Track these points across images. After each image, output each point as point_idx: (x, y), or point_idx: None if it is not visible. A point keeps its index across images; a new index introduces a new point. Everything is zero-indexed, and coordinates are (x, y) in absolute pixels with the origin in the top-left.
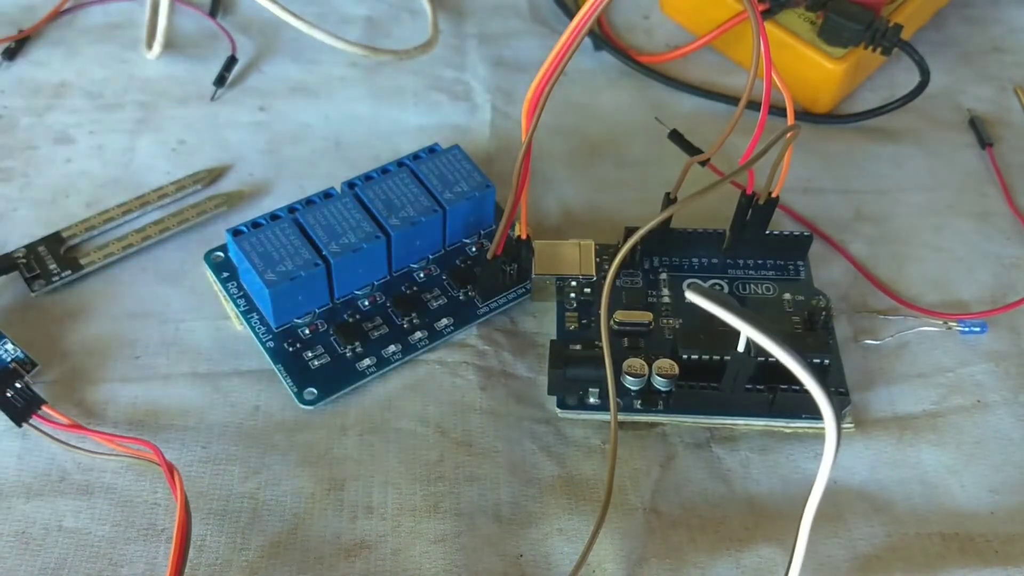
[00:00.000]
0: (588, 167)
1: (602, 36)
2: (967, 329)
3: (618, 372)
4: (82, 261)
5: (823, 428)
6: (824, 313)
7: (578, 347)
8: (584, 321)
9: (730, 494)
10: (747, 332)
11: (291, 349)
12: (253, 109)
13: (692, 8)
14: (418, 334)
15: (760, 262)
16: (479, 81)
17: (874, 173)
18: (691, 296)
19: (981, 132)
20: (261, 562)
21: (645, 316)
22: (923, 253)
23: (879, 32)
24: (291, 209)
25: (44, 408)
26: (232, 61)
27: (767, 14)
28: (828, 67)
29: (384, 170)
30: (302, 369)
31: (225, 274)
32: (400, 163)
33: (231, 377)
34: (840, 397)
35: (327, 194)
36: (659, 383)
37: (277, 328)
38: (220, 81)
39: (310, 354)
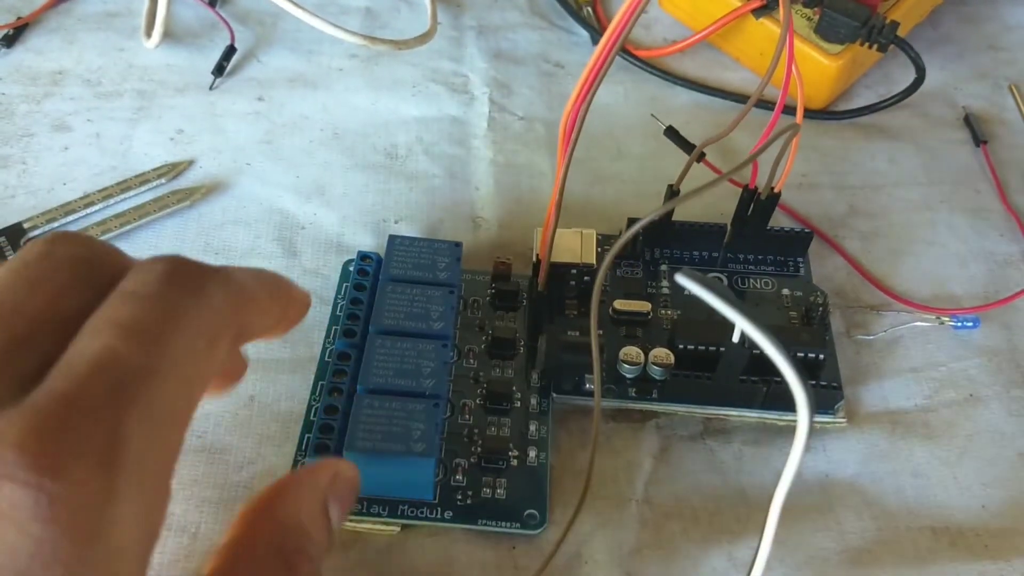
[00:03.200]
0: (584, 160)
1: (600, 30)
2: (960, 324)
3: (614, 360)
4: None
5: (820, 422)
6: (821, 309)
7: (576, 334)
8: (583, 309)
9: (723, 486)
10: (729, 315)
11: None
12: (251, 99)
13: (690, 3)
14: None
15: (760, 257)
16: (477, 73)
17: (869, 169)
18: (680, 279)
19: (976, 129)
20: None
21: (643, 306)
22: (917, 248)
23: (875, 29)
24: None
25: None
26: (231, 51)
27: (764, 10)
28: (824, 63)
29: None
30: None
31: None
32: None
33: None
34: (833, 391)
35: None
36: (654, 372)
37: None
38: (219, 71)
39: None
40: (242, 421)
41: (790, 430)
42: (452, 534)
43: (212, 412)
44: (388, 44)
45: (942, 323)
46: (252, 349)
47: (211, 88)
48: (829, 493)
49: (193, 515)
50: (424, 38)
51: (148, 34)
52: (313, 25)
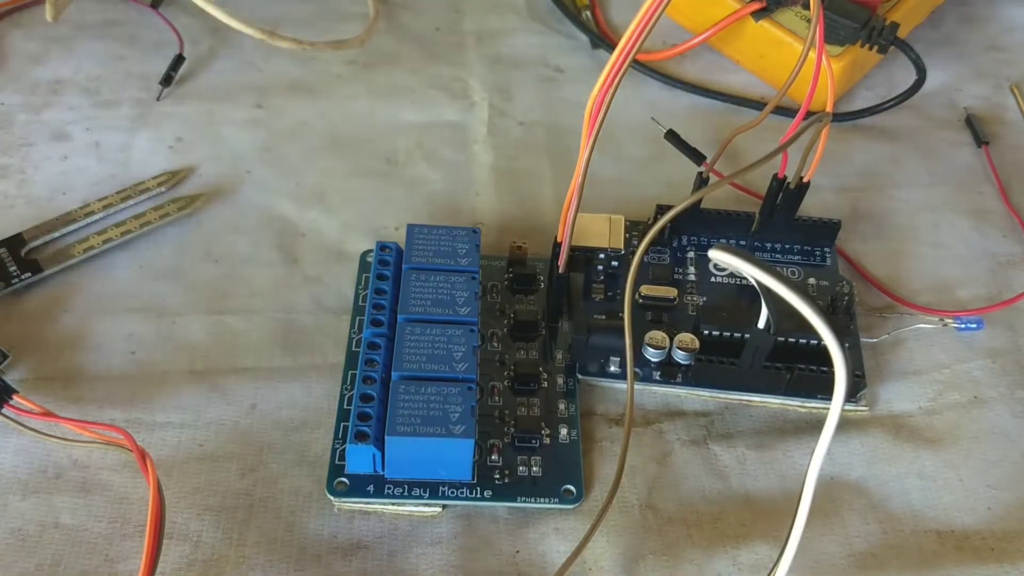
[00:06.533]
0: None
1: (599, 34)
2: (963, 326)
3: (639, 344)
4: (42, 263)
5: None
6: (847, 298)
7: (603, 317)
8: (610, 293)
9: (727, 491)
10: (765, 280)
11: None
12: (250, 106)
13: (689, 6)
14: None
15: (787, 246)
16: (476, 78)
17: (870, 171)
18: (714, 254)
19: (977, 130)
20: (257, 558)
21: (670, 292)
22: (919, 250)
23: (876, 30)
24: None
25: (15, 398)
26: (179, 60)
27: (764, 12)
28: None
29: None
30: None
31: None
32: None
33: (228, 375)
34: (856, 379)
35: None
36: (679, 356)
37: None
38: (167, 80)
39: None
40: (243, 429)
41: (794, 430)
42: (455, 542)
43: (213, 420)
44: (325, 46)
45: (946, 325)
46: (253, 358)
47: (159, 99)
48: (834, 496)
49: (195, 523)
50: (360, 39)
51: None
52: (246, 32)
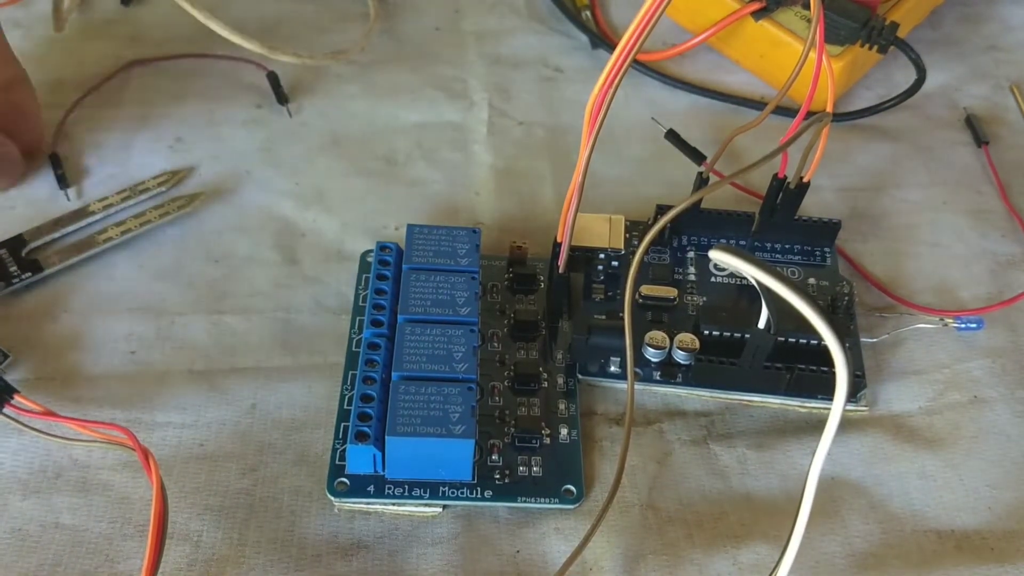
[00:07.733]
0: None
1: (599, 34)
2: (964, 326)
3: (640, 344)
4: (42, 263)
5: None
6: (847, 298)
7: (603, 317)
8: (610, 293)
9: (727, 490)
10: (766, 281)
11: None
12: (250, 106)
13: (689, 6)
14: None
15: (788, 246)
16: (476, 78)
17: (870, 171)
18: (715, 255)
19: (977, 130)
20: (257, 558)
21: (670, 292)
22: (919, 250)
23: (875, 30)
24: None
25: (16, 398)
26: None
27: (764, 12)
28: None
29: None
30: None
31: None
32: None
33: (228, 374)
34: (856, 380)
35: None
36: (679, 356)
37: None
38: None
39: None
40: (243, 429)
41: (795, 430)
42: (455, 542)
43: (213, 420)
44: (326, 58)
45: (946, 325)
46: (252, 358)
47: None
48: (834, 496)
49: (195, 523)
50: (356, 48)
51: (55, 23)
52: (212, 28)
